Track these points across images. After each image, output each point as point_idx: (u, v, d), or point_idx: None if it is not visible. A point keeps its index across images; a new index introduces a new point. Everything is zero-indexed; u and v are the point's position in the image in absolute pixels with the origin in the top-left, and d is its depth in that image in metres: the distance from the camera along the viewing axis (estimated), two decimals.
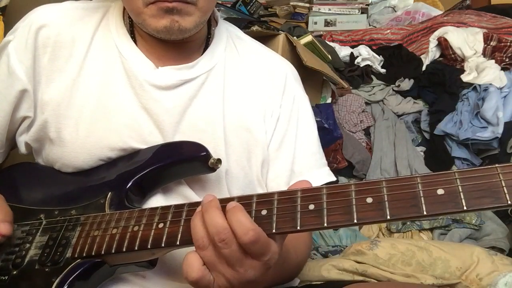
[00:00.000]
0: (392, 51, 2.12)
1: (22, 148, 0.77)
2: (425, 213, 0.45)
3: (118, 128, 0.70)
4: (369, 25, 2.52)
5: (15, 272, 0.63)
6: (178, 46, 0.74)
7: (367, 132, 1.91)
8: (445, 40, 1.96)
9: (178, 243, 0.54)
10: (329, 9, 2.53)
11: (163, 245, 0.55)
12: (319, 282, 0.98)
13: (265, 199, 0.52)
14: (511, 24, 2.02)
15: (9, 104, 0.72)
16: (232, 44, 0.82)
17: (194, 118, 0.73)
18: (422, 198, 0.46)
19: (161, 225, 0.56)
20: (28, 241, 0.65)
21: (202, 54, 0.77)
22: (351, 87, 1.99)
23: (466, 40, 1.92)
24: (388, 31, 2.30)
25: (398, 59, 2.08)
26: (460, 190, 0.45)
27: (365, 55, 2.07)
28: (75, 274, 0.58)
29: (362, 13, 2.53)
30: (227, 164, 0.73)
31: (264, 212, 0.51)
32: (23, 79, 0.71)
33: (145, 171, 0.68)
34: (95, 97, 0.71)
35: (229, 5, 2.42)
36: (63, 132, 0.71)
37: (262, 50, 0.86)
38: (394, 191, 0.47)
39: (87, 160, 0.70)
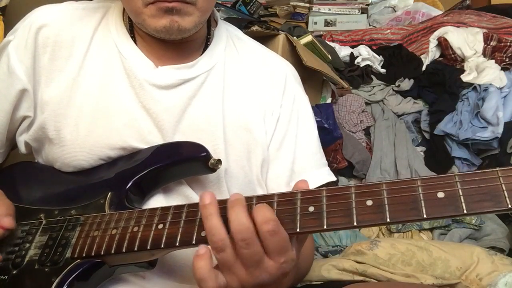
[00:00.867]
0: (392, 51, 2.12)
1: (22, 148, 0.77)
2: (425, 216, 0.45)
3: (118, 127, 0.70)
4: (369, 25, 2.52)
5: (15, 272, 0.63)
6: (177, 46, 0.74)
7: (367, 132, 1.91)
8: (445, 40, 1.95)
9: (177, 244, 0.54)
10: (329, 9, 2.53)
11: (162, 246, 0.55)
12: (319, 282, 0.99)
13: (264, 201, 0.52)
14: (511, 24, 2.02)
15: (9, 104, 0.72)
16: (232, 44, 0.82)
17: (194, 118, 0.73)
18: (422, 202, 0.46)
19: (160, 226, 0.56)
20: (28, 240, 0.65)
21: (202, 54, 0.77)
22: (351, 87, 1.98)
23: (466, 40, 1.92)
24: (388, 31, 2.29)
25: (398, 59, 2.07)
26: (461, 194, 0.44)
27: (365, 55, 2.06)
28: (74, 274, 0.58)
29: (362, 13, 2.52)
30: (227, 164, 0.73)
31: None
32: (23, 79, 0.72)
33: (145, 172, 0.68)
34: (95, 97, 0.71)
35: (229, 5, 2.41)
36: (63, 131, 0.71)
37: (262, 50, 0.86)
38: (394, 194, 0.47)
39: (87, 159, 0.70)
